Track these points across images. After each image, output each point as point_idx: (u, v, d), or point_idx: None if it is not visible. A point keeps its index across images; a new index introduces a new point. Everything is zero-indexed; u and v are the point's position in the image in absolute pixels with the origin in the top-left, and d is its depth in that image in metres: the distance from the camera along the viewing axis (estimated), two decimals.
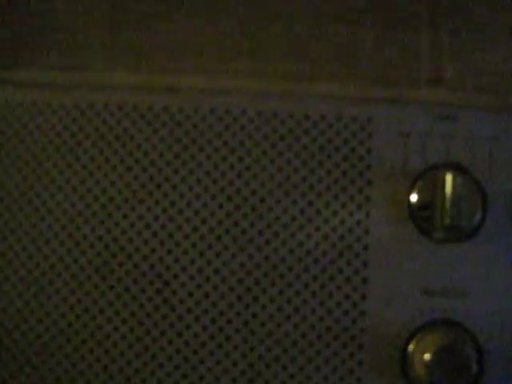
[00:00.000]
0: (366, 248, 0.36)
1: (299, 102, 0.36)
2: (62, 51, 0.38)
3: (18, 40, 0.38)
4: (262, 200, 0.36)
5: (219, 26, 0.38)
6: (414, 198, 0.36)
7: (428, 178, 0.36)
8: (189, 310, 0.35)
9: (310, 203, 0.36)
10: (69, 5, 0.39)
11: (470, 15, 0.40)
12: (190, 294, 0.35)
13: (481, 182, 0.36)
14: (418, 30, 0.39)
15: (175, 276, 0.35)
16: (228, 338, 0.35)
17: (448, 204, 0.35)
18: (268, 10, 0.39)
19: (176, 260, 0.35)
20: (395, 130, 0.37)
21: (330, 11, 0.39)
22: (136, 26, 0.38)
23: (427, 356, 0.35)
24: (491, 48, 0.39)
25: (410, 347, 0.35)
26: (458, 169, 0.36)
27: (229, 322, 0.35)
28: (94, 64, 0.38)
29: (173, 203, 0.36)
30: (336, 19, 0.39)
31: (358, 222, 0.36)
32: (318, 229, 0.36)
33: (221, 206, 0.36)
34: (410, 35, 0.39)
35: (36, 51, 0.38)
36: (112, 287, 0.35)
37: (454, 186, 0.35)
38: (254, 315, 0.35)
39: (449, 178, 0.35)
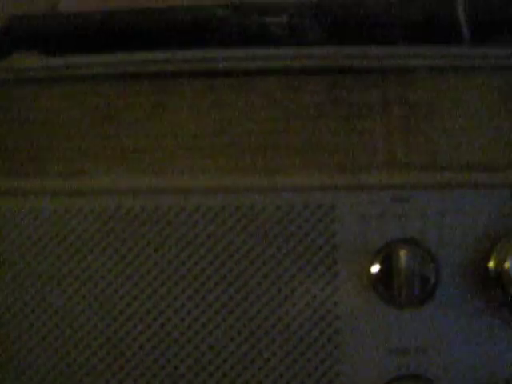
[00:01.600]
0: (337, 318, 0.42)
1: (271, 194, 0.43)
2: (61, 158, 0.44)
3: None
4: (245, 284, 0.42)
5: (191, 126, 0.45)
6: (375, 271, 0.42)
7: (386, 252, 0.42)
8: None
9: (286, 283, 0.42)
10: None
11: (418, 103, 0.45)
12: (184, 369, 0.42)
13: (432, 251, 0.42)
14: (372, 118, 0.45)
15: (172, 353, 0.42)
16: None
17: (404, 274, 0.41)
18: (238, 110, 0.45)
19: (171, 341, 0.42)
20: (356, 214, 0.42)
21: (294, 108, 0.45)
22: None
23: None
24: (437, 131, 0.45)
25: None
26: (411, 242, 0.42)
27: None
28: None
29: (168, 291, 0.42)
30: (300, 115, 0.45)
31: (329, 296, 0.42)
32: (294, 305, 0.42)
33: (208, 294, 0.42)
34: (365, 124, 0.45)
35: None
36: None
37: (408, 259, 0.41)
38: None
39: (403, 251, 0.41)
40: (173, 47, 0.52)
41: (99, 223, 0.43)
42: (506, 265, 0.41)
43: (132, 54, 0.46)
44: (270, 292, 0.42)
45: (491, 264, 0.42)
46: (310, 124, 0.45)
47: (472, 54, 0.46)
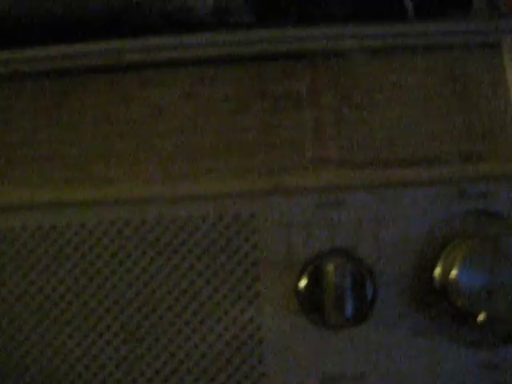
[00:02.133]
0: (260, 342, 0.36)
1: (181, 203, 0.37)
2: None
3: None
4: (154, 309, 0.37)
5: (93, 130, 0.39)
6: (301, 288, 0.36)
7: (313, 267, 0.36)
8: None
9: (202, 305, 0.37)
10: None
11: (351, 91, 0.40)
12: None
13: (368, 263, 0.37)
14: (300, 111, 0.39)
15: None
16: None
17: (334, 292, 0.36)
18: (148, 108, 0.40)
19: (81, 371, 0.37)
20: (278, 223, 0.37)
21: (210, 102, 0.39)
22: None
23: None
24: (374, 124, 0.39)
25: None
26: (343, 254, 0.37)
27: None
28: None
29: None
30: (216, 110, 0.39)
31: (250, 319, 0.37)
32: (211, 330, 0.37)
33: (115, 318, 0.37)
34: (292, 118, 0.39)
35: None
36: None
37: (340, 273, 0.36)
38: None
39: (333, 265, 0.36)
40: (85, 39, 0.47)
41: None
42: (453, 273, 0.36)
43: (22, 50, 0.40)
44: (184, 315, 0.37)
45: (436, 274, 0.37)
46: (228, 120, 0.39)
47: (411, 32, 0.40)
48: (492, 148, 0.39)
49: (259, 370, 0.36)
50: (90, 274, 0.37)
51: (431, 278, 0.37)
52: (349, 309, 0.36)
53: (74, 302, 0.37)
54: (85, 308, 0.37)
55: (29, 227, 0.38)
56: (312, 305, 0.36)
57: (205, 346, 0.37)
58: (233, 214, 0.37)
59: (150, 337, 0.37)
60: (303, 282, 0.36)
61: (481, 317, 0.35)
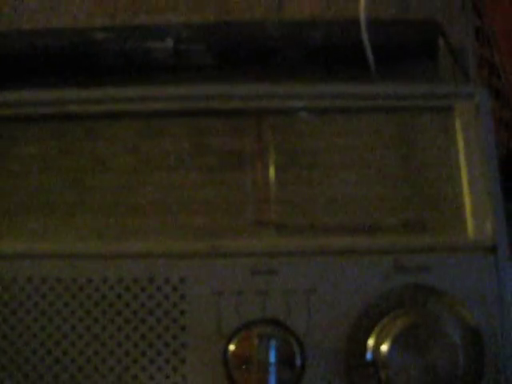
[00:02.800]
0: None
1: (113, 263, 0.37)
2: None
3: None
4: (80, 369, 0.36)
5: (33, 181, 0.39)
6: (228, 357, 0.35)
7: (242, 336, 0.35)
8: None
9: (127, 369, 0.36)
10: None
11: (295, 152, 0.38)
12: None
13: (298, 333, 0.36)
14: (243, 169, 0.39)
15: None
16: None
17: (261, 363, 0.35)
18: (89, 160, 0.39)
19: None
20: (209, 289, 0.36)
21: (151, 156, 0.39)
22: None
23: None
24: (316, 185, 0.38)
25: None
26: (273, 323, 0.36)
27: None
28: None
29: None
30: (156, 165, 0.39)
31: None
32: None
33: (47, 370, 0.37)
34: (234, 177, 0.38)
35: None
36: None
37: (267, 342, 0.35)
38: None
39: (261, 335, 0.35)
40: (43, 76, 0.46)
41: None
42: (383, 348, 0.35)
43: None
44: (110, 377, 0.36)
45: (368, 347, 0.36)
46: (168, 176, 0.38)
47: (359, 93, 0.39)
48: (436, 218, 0.37)
49: None
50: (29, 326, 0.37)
51: (363, 352, 0.36)
52: (272, 381, 0.35)
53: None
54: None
55: None
56: (238, 374, 0.35)
57: None
58: (164, 278, 0.36)
59: None
60: (230, 351, 0.35)
61: None
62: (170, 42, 0.45)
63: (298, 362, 0.35)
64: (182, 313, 0.36)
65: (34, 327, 0.37)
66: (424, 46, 0.45)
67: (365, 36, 0.43)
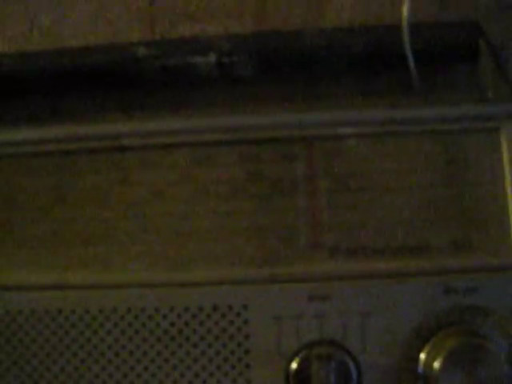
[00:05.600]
0: None
1: (178, 292, 0.39)
2: None
3: None
4: None
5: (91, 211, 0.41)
6: (290, 377, 0.38)
7: (301, 357, 0.38)
8: None
9: None
10: None
11: (344, 177, 0.40)
12: None
13: (354, 356, 0.38)
14: (295, 195, 0.40)
15: None
16: None
17: (323, 381, 0.38)
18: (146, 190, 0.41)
19: None
20: (270, 314, 0.39)
21: (205, 183, 0.40)
22: None
23: None
24: (366, 209, 0.40)
25: None
26: (331, 345, 0.38)
27: None
28: None
29: None
30: (210, 194, 0.40)
31: None
32: None
33: None
34: (286, 203, 0.40)
35: None
36: None
37: (326, 364, 0.38)
38: None
39: (320, 355, 0.38)
40: (87, 92, 0.48)
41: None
42: (435, 365, 0.37)
43: (25, 130, 0.41)
44: None
45: (419, 365, 0.38)
46: (223, 204, 0.40)
47: (408, 118, 0.40)
48: (484, 238, 0.39)
49: None
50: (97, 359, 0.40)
51: (414, 369, 0.38)
52: None
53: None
54: None
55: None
56: None
57: None
58: (226, 305, 0.39)
59: None
60: (292, 372, 0.38)
61: None
62: (212, 57, 0.46)
63: (355, 379, 0.38)
64: (246, 337, 0.39)
65: (102, 361, 0.40)
66: (464, 49, 0.46)
67: (407, 47, 0.44)
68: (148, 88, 0.48)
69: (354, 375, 0.38)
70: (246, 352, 0.39)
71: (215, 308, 0.39)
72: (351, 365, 0.38)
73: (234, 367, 0.39)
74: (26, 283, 0.41)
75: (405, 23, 0.44)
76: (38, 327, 0.40)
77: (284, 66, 0.47)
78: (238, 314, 0.39)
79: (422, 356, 0.38)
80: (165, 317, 0.39)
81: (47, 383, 0.40)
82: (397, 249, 0.39)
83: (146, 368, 0.39)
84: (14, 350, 0.40)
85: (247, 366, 0.39)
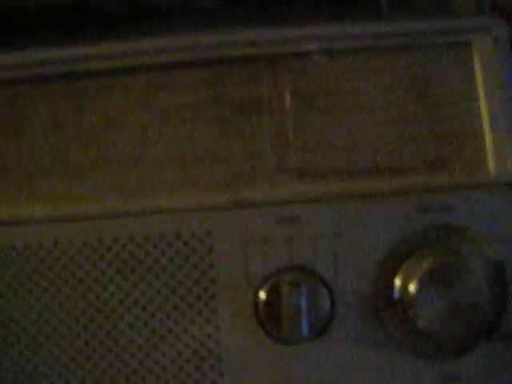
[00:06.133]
0: (219, 359, 0.37)
1: (137, 221, 0.37)
2: None
3: None
4: (114, 326, 0.37)
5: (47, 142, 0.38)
6: (259, 305, 0.36)
7: (271, 284, 0.36)
8: None
9: (161, 322, 0.37)
10: None
11: (311, 97, 0.38)
12: None
13: (326, 279, 0.36)
14: (260, 117, 0.38)
15: None
16: None
17: (291, 308, 0.36)
18: (102, 118, 0.38)
19: None
20: (235, 240, 0.37)
21: (164, 108, 0.38)
22: None
23: None
24: (335, 129, 0.38)
25: None
26: (301, 271, 0.36)
27: None
28: None
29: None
30: (173, 118, 0.38)
31: (209, 335, 0.37)
32: (171, 346, 0.37)
33: (77, 336, 0.37)
34: (252, 125, 0.38)
35: None
36: None
37: (296, 290, 0.36)
38: None
39: (290, 282, 0.36)
40: (42, 30, 0.45)
41: None
42: (412, 288, 0.36)
43: None
44: (144, 333, 0.37)
45: (395, 289, 0.36)
46: (185, 129, 0.38)
47: (374, 32, 0.38)
48: (457, 156, 0.37)
49: None
50: (51, 293, 0.37)
51: (390, 293, 0.36)
52: (305, 326, 0.36)
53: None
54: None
55: None
56: (269, 321, 0.36)
57: (165, 362, 0.37)
58: (189, 232, 0.37)
59: (111, 354, 0.37)
60: (261, 300, 0.36)
61: (439, 332, 0.35)
62: None
63: (327, 307, 0.36)
64: (211, 266, 0.37)
65: (64, 290, 0.37)
66: None
67: None
68: (108, 18, 0.45)
69: (327, 302, 0.36)
70: (212, 281, 0.37)
71: (177, 236, 0.37)
72: (323, 291, 0.36)
73: (199, 298, 0.37)
74: None
75: None
76: None
77: None
78: (202, 242, 0.37)
79: (397, 279, 0.36)
80: (124, 247, 0.37)
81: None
82: (368, 170, 0.37)
83: (105, 303, 0.37)
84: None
85: (213, 296, 0.37)
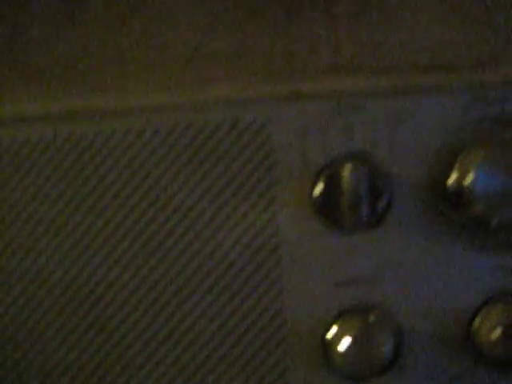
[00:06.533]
0: (277, 247, 0.37)
1: (195, 110, 0.37)
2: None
3: None
4: (174, 212, 0.37)
5: (104, 40, 0.39)
6: (317, 192, 0.36)
7: (329, 171, 0.36)
8: (116, 327, 0.38)
9: (219, 210, 0.37)
10: None
11: None
12: (113, 314, 0.37)
13: (384, 167, 0.37)
14: (313, 18, 0.39)
15: (99, 297, 0.38)
16: (156, 349, 0.37)
17: (350, 195, 0.36)
18: (158, 17, 0.39)
19: (96, 283, 0.38)
20: (294, 128, 0.37)
21: (221, 11, 0.39)
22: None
23: (346, 341, 0.36)
24: (390, 29, 0.39)
25: (329, 337, 0.37)
26: (359, 157, 0.37)
27: (155, 333, 0.37)
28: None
29: (89, 225, 0.38)
30: (229, 15, 0.39)
31: (267, 223, 0.37)
32: (228, 234, 0.37)
33: (134, 224, 0.37)
34: (306, 25, 0.39)
35: None
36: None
37: (356, 176, 0.36)
38: (179, 323, 0.37)
39: (348, 168, 0.36)
40: None
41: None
42: (467, 180, 0.36)
43: None
44: (202, 220, 0.37)
45: (451, 180, 0.37)
46: (241, 25, 0.39)
47: None
48: (511, 51, 0.38)
49: (276, 273, 0.37)
50: (104, 184, 0.37)
51: (446, 182, 0.37)
52: (364, 212, 0.36)
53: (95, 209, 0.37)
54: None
55: (44, 138, 0.38)
56: (328, 209, 0.36)
57: (223, 249, 0.37)
58: (248, 120, 0.37)
59: (169, 240, 0.37)
60: (319, 187, 0.36)
61: (495, 221, 0.36)
62: None
63: (385, 194, 0.37)
64: (269, 153, 0.37)
65: (122, 179, 0.37)
66: None
67: None
68: None
69: (386, 190, 0.36)
70: (270, 169, 0.37)
71: (235, 123, 0.37)
72: (381, 179, 0.36)
73: (257, 185, 0.37)
74: (33, 113, 0.38)
75: None
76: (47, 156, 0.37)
77: None
78: (260, 129, 0.37)
79: (454, 169, 0.37)
80: (181, 136, 0.37)
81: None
82: (423, 66, 0.38)
83: (161, 190, 0.37)
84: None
85: (271, 183, 0.37)
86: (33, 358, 0.38)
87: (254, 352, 0.37)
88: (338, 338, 0.36)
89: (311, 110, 0.37)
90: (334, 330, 0.37)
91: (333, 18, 0.39)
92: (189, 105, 0.37)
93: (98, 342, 0.37)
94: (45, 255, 0.38)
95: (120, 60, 0.39)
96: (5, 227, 0.37)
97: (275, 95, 0.37)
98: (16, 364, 0.38)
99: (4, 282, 0.38)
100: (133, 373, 0.38)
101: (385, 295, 0.37)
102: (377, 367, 0.36)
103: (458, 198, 0.36)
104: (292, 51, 0.38)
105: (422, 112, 0.37)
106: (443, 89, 0.37)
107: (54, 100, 0.38)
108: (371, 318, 0.36)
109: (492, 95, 0.37)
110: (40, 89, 0.39)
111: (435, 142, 0.37)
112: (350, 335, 0.36)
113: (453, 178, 0.37)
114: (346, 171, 0.36)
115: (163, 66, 0.38)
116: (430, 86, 0.38)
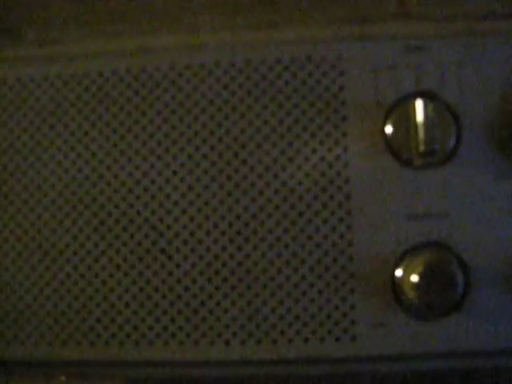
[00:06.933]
0: (347, 181, 0.37)
1: (270, 48, 0.38)
2: (36, 26, 0.40)
3: None
4: (244, 146, 0.37)
5: None
6: (388, 129, 0.37)
7: (400, 108, 0.37)
8: (185, 257, 0.37)
9: (290, 144, 0.37)
10: None
11: None
12: (185, 242, 0.37)
13: (452, 106, 0.37)
14: None
15: (169, 226, 0.37)
16: (225, 280, 0.37)
17: (421, 131, 0.36)
18: None
19: (168, 211, 0.37)
20: (365, 66, 0.38)
21: None
22: None
23: (415, 278, 0.36)
24: None
25: (398, 271, 0.37)
26: (428, 96, 0.37)
27: (223, 264, 0.37)
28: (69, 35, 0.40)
29: (159, 157, 0.38)
30: None
31: (337, 157, 0.37)
32: (299, 167, 0.37)
33: (205, 156, 0.37)
34: None
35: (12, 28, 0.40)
36: (111, 244, 0.38)
37: (426, 113, 0.36)
38: (247, 256, 0.37)
39: (419, 105, 0.37)
40: None
41: (81, 89, 0.38)
42: None
43: None
44: (273, 154, 0.37)
45: None
46: None
47: None
48: None
49: (346, 207, 0.37)
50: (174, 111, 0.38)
51: None
52: (434, 148, 0.36)
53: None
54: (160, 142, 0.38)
55: (116, 72, 0.38)
56: (399, 144, 0.37)
57: (292, 183, 0.37)
58: (320, 57, 0.38)
59: (240, 172, 0.37)
60: (390, 123, 0.37)
61: None
62: None
63: (454, 131, 0.37)
64: (341, 88, 0.37)
65: (195, 112, 0.37)
66: None
67: None
68: None
69: (454, 127, 0.37)
70: (342, 104, 0.37)
71: (309, 59, 0.38)
72: (449, 116, 0.37)
73: (329, 119, 0.37)
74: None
75: None
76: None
77: None
78: (333, 65, 0.38)
79: None
80: (255, 70, 0.38)
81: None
82: (486, 13, 0.39)
83: (234, 123, 0.37)
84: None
85: (343, 118, 0.37)
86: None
87: (323, 285, 0.37)
88: (407, 274, 0.36)
89: (381, 49, 0.38)
90: (403, 265, 0.36)
91: None
92: (263, 42, 0.38)
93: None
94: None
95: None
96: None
97: (346, 35, 0.38)
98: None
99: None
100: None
101: (453, 232, 0.37)
102: (446, 305, 0.36)
103: None
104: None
105: (489, 54, 0.38)
106: (507, 35, 0.39)
107: (128, 38, 0.39)
108: (440, 255, 0.36)
109: None
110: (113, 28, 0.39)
111: (501, 84, 0.38)
112: (420, 271, 0.36)
113: None
114: (417, 107, 0.36)
115: (236, 5, 0.39)
116: (494, 30, 0.39)
